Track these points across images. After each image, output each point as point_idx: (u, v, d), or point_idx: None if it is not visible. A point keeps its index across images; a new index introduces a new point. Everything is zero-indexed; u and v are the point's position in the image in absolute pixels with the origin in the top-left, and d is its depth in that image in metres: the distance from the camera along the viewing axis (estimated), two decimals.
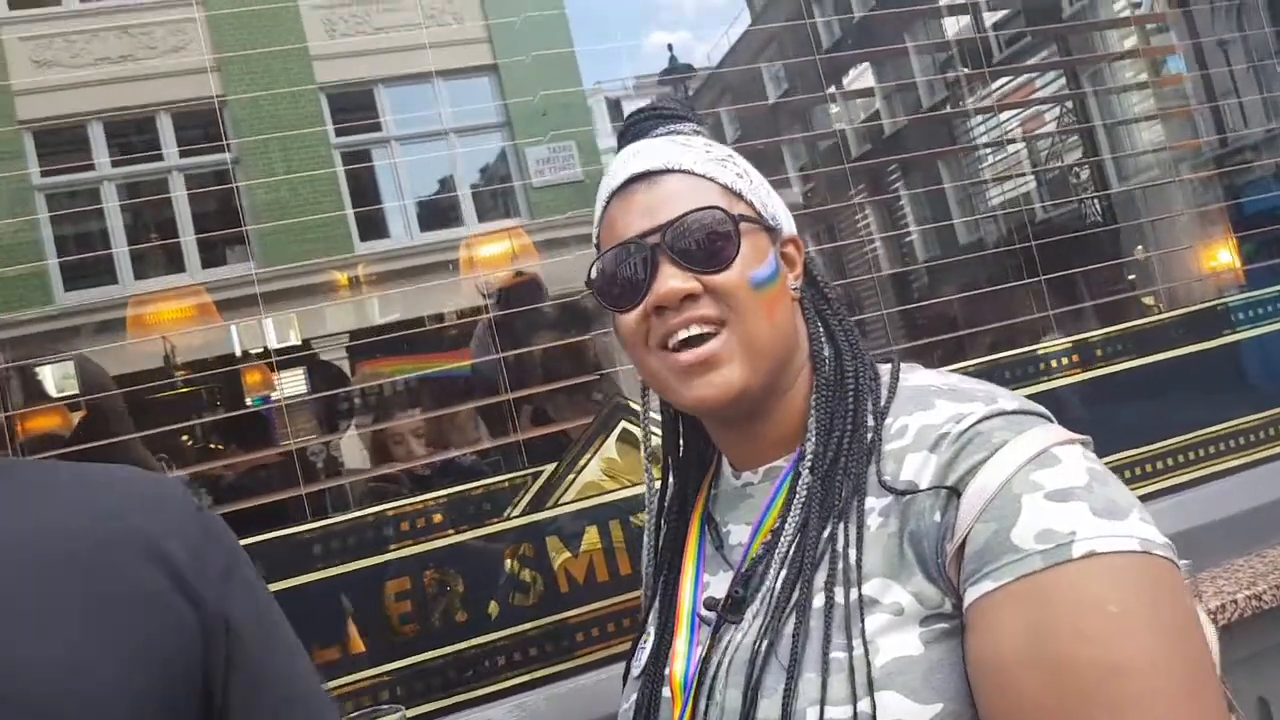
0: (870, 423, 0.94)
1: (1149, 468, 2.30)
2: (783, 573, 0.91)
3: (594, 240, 1.08)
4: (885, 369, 1.01)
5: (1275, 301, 2.54)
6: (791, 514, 0.94)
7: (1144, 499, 0.94)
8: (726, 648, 0.93)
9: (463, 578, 1.89)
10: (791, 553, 0.92)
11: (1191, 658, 0.74)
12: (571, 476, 1.99)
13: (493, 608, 1.88)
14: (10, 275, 2.52)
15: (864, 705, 0.79)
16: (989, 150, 3.52)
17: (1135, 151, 3.38)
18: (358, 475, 2.51)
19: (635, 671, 1.05)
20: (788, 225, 1.05)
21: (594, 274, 1.02)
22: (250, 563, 0.91)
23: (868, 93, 3.90)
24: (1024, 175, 3.56)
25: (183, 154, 5.96)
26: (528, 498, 1.95)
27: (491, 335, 2.15)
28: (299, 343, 4.00)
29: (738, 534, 1.02)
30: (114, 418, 2.20)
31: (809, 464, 0.95)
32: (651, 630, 1.06)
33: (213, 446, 3.40)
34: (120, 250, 5.53)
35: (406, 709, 1.21)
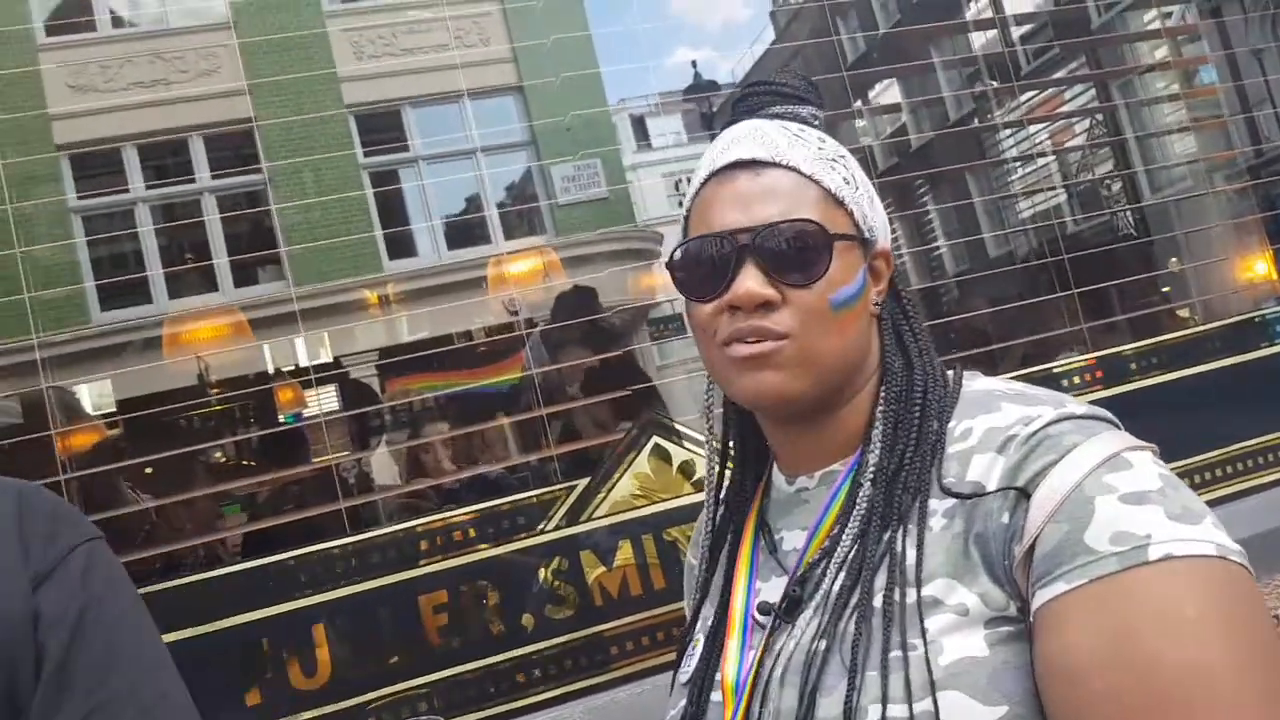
0: (934, 427, 0.93)
1: (1186, 482, 2.27)
2: (841, 575, 0.90)
3: (683, 212, 1.06)
4: (949, 375, 1.00)
5: None
6: (851, 523, 0.93)
7: None
8: (781, 650, 0.91)
9: (499, 591, 1.90)
10: (850, 557, 0.91)
11: (1271, 663, 0.73)
12: (603, 494, 2.00)
13: (528, 620, 1.89)
14: (48, 295, 2.56)
15: (926, 705, 0.78)
16: (1018, 164, 3.51)
17: (1168, 164, 3.35)
18: (392, 491, 2.53)
19: (683, 678, 1.04)
20: (883, 238, 1.02)
21: (677, 256, 0.98)
22: (105, 566, 0.88)
23: (894, 108, 3.90)
24: (1054, 189, 3.54)
25: (215, 176, 6.07)
26: (562, 511, 1.95)
27: (542, 345, 2.16)
28: (330, 360, 4.04)
29: (791, 539, 1.00)
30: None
31: (870, 475, 0.94)
32: (700, 637, 1.05)
33: (246, 463, 3.44)
34: (155, 271, 5.63)
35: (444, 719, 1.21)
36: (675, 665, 1.06)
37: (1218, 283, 2.84)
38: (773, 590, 0.97)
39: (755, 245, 0.92)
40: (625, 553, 1.97)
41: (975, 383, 0.99)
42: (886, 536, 0.89)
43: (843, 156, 1.00)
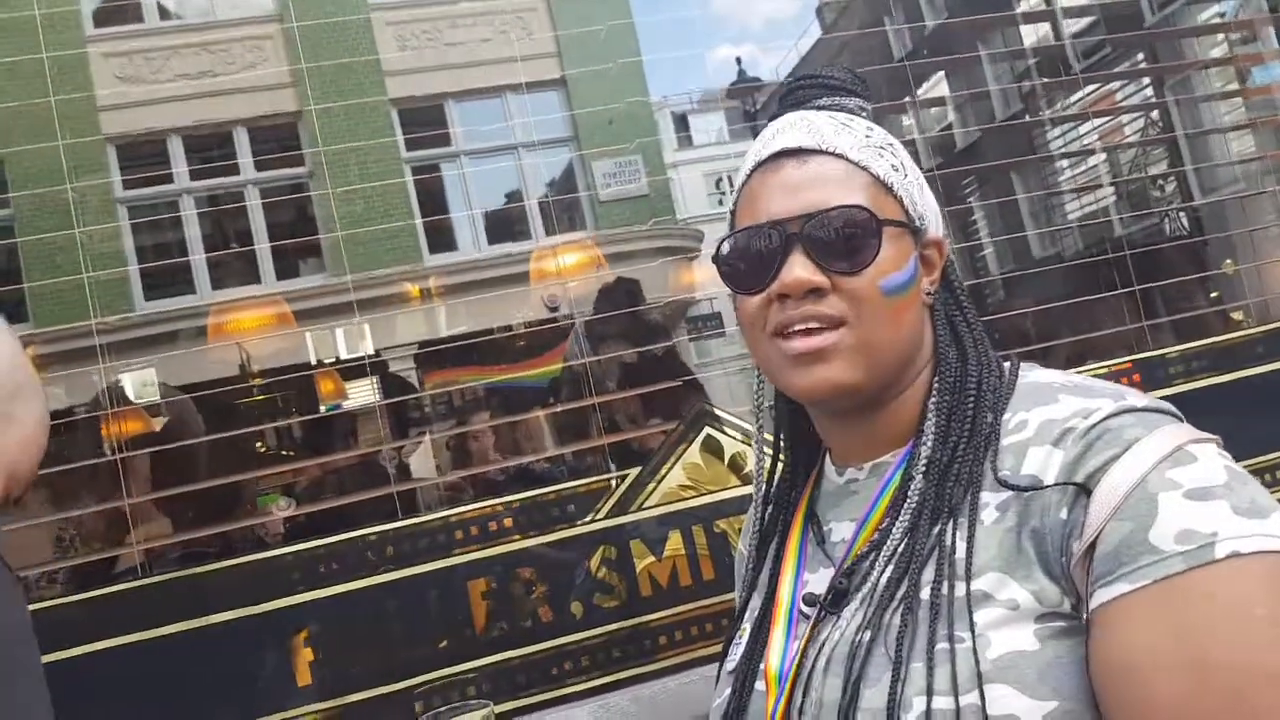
0: (989, 419, 0.92)
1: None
2: (889, 568, 0.89)
3: (730, 207, 1.05)
4: (1005, 367, 0.99)
5: None
6: (901, 516, 0.92)
7: None
8: (826, 641, 0.90)
9: (548, 579, 1.90)
10: (899, 550, 0.90)
11: None
12: (653, 485, 2.00)
13: (577, 608, 1.90)
14: (94, 282, 2.59)
15: (973, 698, 0.77)
16: (1068, 162, 3.47)
17: (1221, 162, 3.30)
18: (438, 480, 2.55)
19: (730, 666, 1.04)
20: (934, 226, 1.01)
21: (725, 249, 0.98)
22: None
23: (940, 102, 3.87)
24: (1103, 187, 3.50)
25: (258, 167, 6.14)
26: (612, 502, 1.96)
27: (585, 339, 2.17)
28: (372, 350, 4.07)
29: (840, 530, 0.99)
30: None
31: (922, 468, 0.93)
32: (747, 626, 1.04)
33: (288, 452, 3.49)
34: (198, 259, 5.71)
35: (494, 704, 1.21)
36: (722, 654, 1.06)
37: (1274, 284, 2.79)
38: (820, 581, 0.97)
39: (803, 233, 0.91)
40: (675, 543, 1.97)
41: (1031, 374, 0.97)
42: (936, 530, 0.87)
43: (891, 144, 0.99)
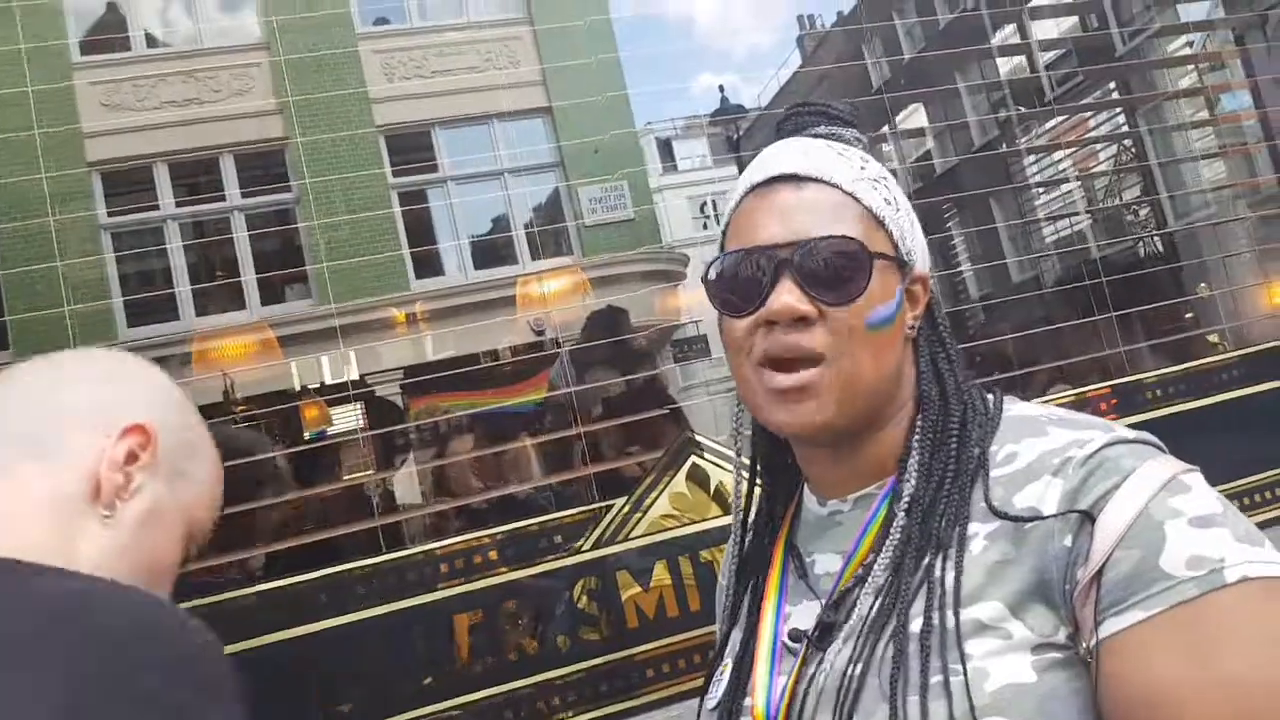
0: (975, 452, 0.93)
1: None
2: (877, 601, 0.88)
3: (721, 227, 1.06)
4: (989, 399, 1.00)
5: None
6: (885, 550, 0.92)
7: None
8: (814, 675, 0.89)
9: (533, 612, 1.91)
10: (886, 585, 0.91)
11: None
12: (639, 515, 2.01)
13: (563, 641, 1.90)
14: (81, 309, 2.59)
15: None
16: (1043, 189, 3.52)
17: (1193, 189, 3.36)
18: (423, 509, 2.56)
19: (710, 704, 1.03)
20: (921, 262, 1.01)
21: (713, 273, 0.98)
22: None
23: (918, 133, 3.93)
24: (1078, 214, 3.55)
25: (245, 194, 6.13)
26: (598, 532, 1.96)
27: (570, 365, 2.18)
28: (357, 376, 4.07)
29: (824, 563, 0.98)
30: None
31: (905, 505, 0.93)
32: (729, 661, 1.04)
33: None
34: (183, 288, 5.69)
35: None
36: (703, 691, 1.05)
37: (1247, 309, 2.84)
38: (804, 615, 0.95)
39: (794, 262, 0.91)
40: (661, 574, 1.98)
41: (1015, 407, 0.98)
42: (925, 562, 0.88)
43: (884, 179, 0.99)
